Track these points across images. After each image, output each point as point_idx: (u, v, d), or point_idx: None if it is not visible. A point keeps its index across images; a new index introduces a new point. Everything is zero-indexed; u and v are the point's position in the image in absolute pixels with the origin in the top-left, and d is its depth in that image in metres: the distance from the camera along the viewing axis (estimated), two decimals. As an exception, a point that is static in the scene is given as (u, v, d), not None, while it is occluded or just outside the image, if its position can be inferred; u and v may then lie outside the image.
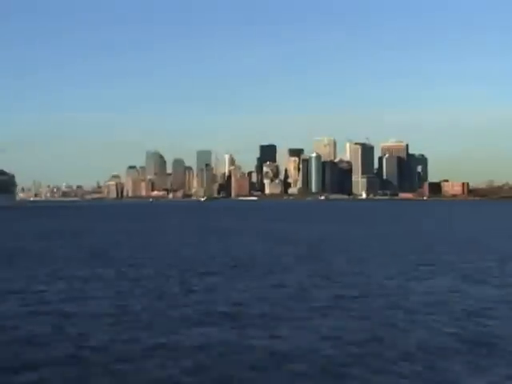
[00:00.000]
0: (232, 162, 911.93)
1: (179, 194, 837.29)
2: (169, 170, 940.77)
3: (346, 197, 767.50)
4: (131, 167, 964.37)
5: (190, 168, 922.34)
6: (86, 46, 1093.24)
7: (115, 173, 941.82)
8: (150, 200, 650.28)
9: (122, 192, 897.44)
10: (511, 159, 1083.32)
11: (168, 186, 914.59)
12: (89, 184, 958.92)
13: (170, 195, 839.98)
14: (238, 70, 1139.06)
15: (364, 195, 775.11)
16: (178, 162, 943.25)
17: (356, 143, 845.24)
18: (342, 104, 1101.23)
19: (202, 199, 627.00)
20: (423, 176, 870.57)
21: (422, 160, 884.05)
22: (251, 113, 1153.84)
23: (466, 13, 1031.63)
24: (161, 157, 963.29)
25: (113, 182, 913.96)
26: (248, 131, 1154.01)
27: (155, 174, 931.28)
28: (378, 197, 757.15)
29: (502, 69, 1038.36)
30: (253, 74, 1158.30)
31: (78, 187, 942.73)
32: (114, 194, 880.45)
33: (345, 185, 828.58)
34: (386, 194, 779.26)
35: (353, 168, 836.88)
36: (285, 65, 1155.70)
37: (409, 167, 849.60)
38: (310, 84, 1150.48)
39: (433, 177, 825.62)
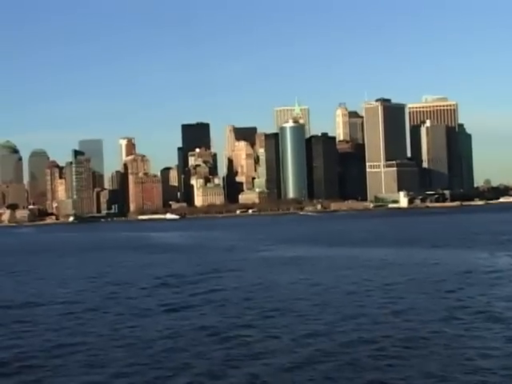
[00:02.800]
0: (130, 150, 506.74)
1: (19, 213, 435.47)
2: (26, 170, 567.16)
3: (361, 204, 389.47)
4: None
5: (55, 165, 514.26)
6: None
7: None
8: None
9: None
10: None
11: (24, 199, 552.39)
12: None
13: (5, 216, 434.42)
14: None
15: (404, 201, 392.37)
16: (37, 157, 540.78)
17: (371, 102, 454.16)
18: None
19: (70, 220, 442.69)
20: (469, 163, 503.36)
21: (467, 137, 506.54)
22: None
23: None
24: (15, 151, 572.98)
25: None
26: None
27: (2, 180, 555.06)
28: (431, 203, 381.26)
29: None
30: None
31: None
32: None
33: (349, 181, 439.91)
34: (442, 197, 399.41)
35: (366, 149, 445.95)
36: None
37: (457, 147, 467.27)
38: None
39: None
